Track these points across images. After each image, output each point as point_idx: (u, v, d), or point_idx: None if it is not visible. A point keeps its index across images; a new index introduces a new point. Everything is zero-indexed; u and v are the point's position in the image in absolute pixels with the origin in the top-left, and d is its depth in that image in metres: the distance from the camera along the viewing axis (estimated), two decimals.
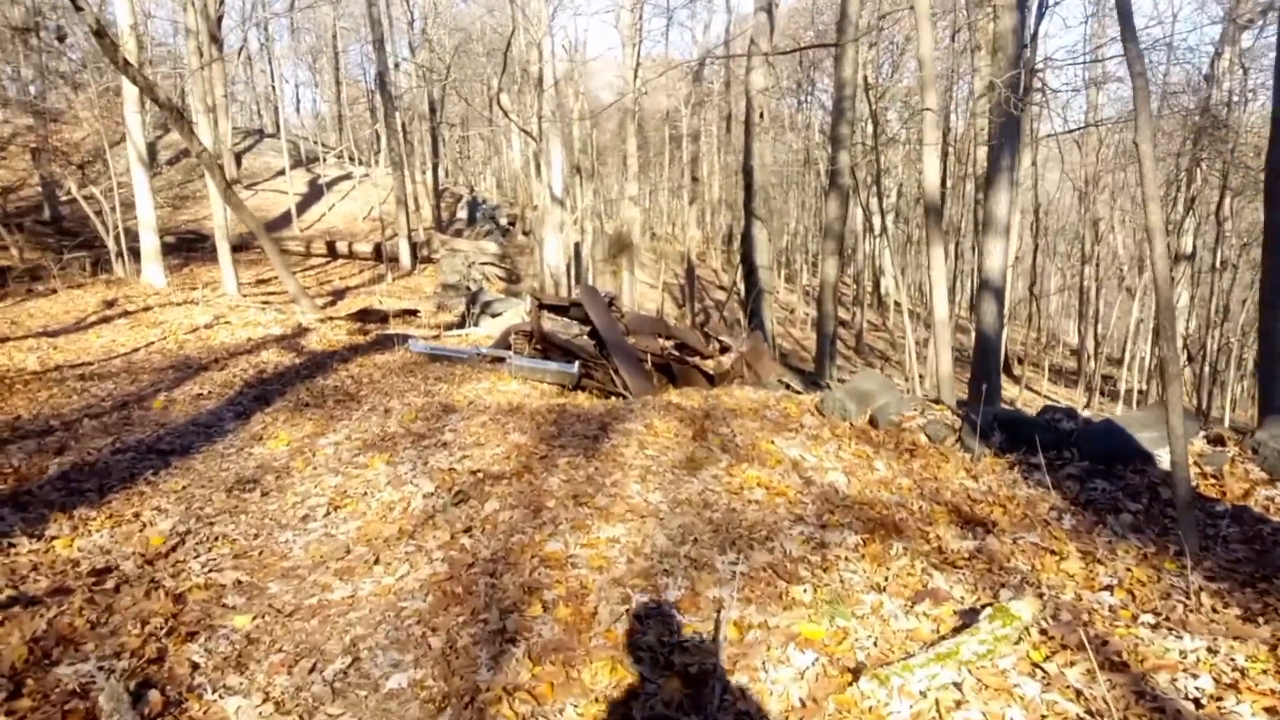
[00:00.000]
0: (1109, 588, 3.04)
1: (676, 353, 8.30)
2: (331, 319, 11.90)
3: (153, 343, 9.54)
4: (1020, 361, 24.37)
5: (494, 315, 12.48)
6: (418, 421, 5.83)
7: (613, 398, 7.55)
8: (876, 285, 29.88)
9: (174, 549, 3.95)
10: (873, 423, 5.39)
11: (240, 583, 3.64)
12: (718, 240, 33.89)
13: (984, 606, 2.83)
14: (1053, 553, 3.34)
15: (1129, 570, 3.19)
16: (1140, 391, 21.18)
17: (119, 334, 10.13)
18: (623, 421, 5.63)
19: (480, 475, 4.61)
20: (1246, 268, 17.15)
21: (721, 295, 27.52)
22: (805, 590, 3.09)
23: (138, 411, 6.65)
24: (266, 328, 10.24)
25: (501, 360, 8.19)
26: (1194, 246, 20.79)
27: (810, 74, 27.68)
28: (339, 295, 16.22)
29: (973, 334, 24.26)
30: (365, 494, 4.55)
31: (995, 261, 8.84)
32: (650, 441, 5.14)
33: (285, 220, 24.89)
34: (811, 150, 28.01)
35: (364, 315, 12.22)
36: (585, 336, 8.63)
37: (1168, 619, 2.78)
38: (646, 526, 3.78)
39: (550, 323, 9.30)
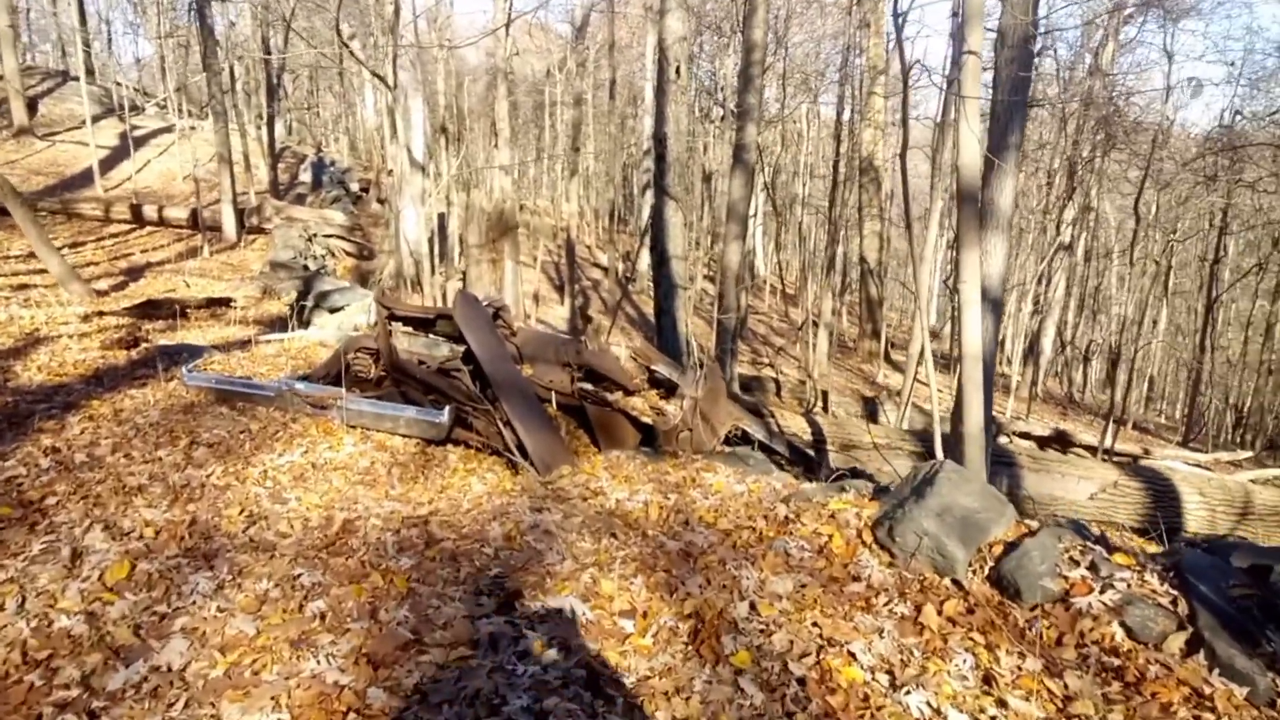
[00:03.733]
0: None
1: (591, 386, 5.53)
2: (101, 315, 8.25)
3: None
4: (893, 346, 23.09)
5: (332, 310, 9.20)
6: (126, 596, 2.77)
7: (509, 467, 4.71)
8: (752, 267, 28.05)
9: None
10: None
11: None
12: (590, 215, 30.89)
13: None
14: None
15: None
16: (1023, 380, 20.29)
17: None
18: (541, 576, 2.85)
19: None
20: (1177, 265, 16.20)
21: (598, 274, 24.68)
22: None
23: None
24: None
25: (329, 403, 5.15)
26: (1071, 237, 19.98)
27: (690, 47, 25.09)
28: (136, 274, 12.20)
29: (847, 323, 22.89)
30: None
31: (996, 265, 6.60)
32: (611, 657, 2.39)
33: (87, 178, 19.76)
34: (692, 125, 25.50)
35: (149, 308, 8.60)
36: (459, 361, 5.68)
37: None
38: None
39: (408, 339, 6.26)
